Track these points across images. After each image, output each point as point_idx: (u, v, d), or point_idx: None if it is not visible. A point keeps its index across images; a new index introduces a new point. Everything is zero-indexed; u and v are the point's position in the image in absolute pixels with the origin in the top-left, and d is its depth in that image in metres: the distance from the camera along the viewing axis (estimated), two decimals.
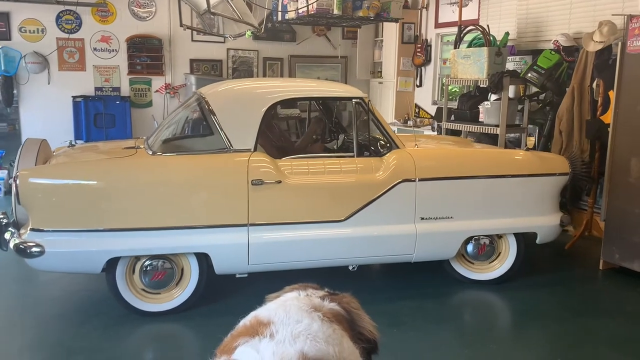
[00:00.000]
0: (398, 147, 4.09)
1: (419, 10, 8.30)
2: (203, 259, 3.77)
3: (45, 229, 3.48)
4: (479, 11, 7.15)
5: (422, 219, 4.06)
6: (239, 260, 3.75)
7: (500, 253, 4.44)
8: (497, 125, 5.72)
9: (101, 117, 7.77)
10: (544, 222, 4.37)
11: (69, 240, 3.51)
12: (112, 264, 3.62)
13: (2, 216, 3.78)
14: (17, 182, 3.44)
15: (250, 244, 3.73)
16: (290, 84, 4.93)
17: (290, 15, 6.65)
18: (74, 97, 7.71)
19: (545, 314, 3.98)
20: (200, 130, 4.45)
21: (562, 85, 5.73)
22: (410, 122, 8.14)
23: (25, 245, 3.46)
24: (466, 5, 7.13)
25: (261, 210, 3.74)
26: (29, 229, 3.51)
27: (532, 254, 5.25)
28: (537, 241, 4.43)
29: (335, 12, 6.16)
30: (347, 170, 3.94)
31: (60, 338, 3.51)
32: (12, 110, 7.58)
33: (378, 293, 4.24)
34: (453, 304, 4.23)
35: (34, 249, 3.44)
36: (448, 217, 4.12)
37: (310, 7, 6.15)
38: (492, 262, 4.44)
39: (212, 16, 6.12)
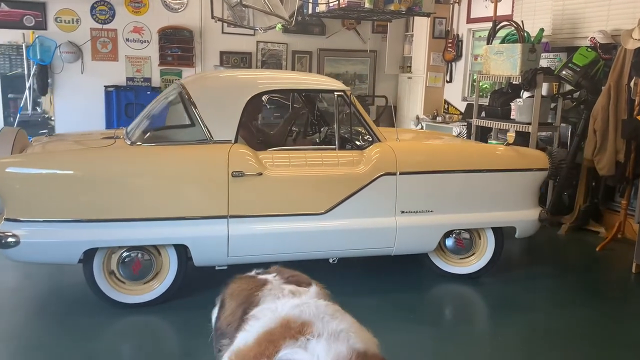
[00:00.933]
0: (380, 141, 4.06)
1: (451, 5, 8.19)
2: (182, 250, 3.73)
3: (21, 218, 3.43)
4: (512, 6, 7.02)
5: (403, 212, 4.03)
6: (218, 252, 3.70)
7: (478, 248, 4.41)
8: (529, 123, 5.62)
9: (132, 107, 7.87)
10: (523, 216, 4.35)
11: (45, 230, 3.46)
12: (89, 255, 3.57)
13: None
14: None
15: (230, 236, 3.68)
16: (273, 75, 4.90)
17: (321, 8, 6.63)
18: (106, 87, 7.83)
19: (573, 314, 3.91)
20: (180, 121, 4.38)
21: (598, 84, 5.59)
22: (439, 118, 8.06)
23: None
24: (500, 0, 7.00)
25: (241, 202, 3.69)
26: (3, 218, 3.46)
27: (561, 255, 5.17)
28: (516, 235, 4.41)
29: (367, 5, 6.12)
30: (328, 163, 3.90)
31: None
32: (46, 99, 7.74)
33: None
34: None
35: (9, 239, 3.40)
36: (428, 211, 4.09)
37: (341, 0, 6.12)
38: (469, 256, 4.41)
39: (243, 8, 6.13)
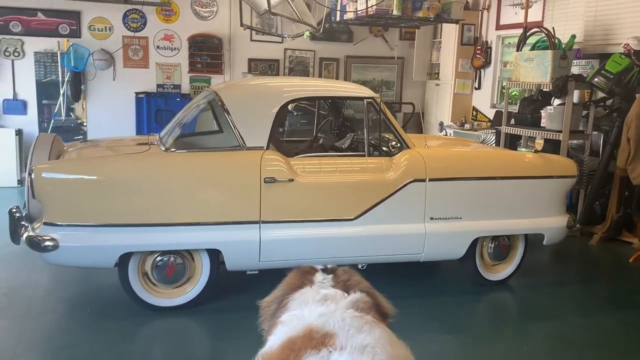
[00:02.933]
0: (408, 147, 4.08)
1: (480, 12, 8.13)
2: (215, 255, 3.78)
3: (59, 223, 3.49)
4: (543, 13, 6.93)
5: (432, 218, 4.04)
6: (250, 257, 3.75)
7: (510, 254, 4.45)
8: (560, 131, 5.54)
9: (162, 114, 8.00)
10: (552, 223, 4.36)
11: (83, 235, 3.52)
12: (124, 258, 3.64)
13: (15, 210, 3.79)
14: (32, 176, 3.46)
15: (262, 241, 3.73)
16: (304, 83, 4.92)
17: (349, 15, 6.65)
18: (136, 94, 7.98)
19: (599, 325, 3.83)
20: (213, 128, 4.46)
21: (632, 91, 5.47)
22: (467, 125, 7.99)
23: (38, 239, 3.47)
24: (530, 6, 6.92)
25: (273, 207, 3.73)
26: (42, 223, 3.52)
27: (592, 266, 5.06)
28: (545, 242, 4.40)
29: (395, 12, 6.10)
30: (358, 169, 3.94)
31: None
32: (78, 105, 7.92)
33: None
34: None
35: (47, 243, 3.45)
36: (457, 218, 4.10)
37: (369, 8, 6.12)
38: (499, 262, 4.43)
39: (272, 16, 6.19)
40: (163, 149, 3.88)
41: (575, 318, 3.98)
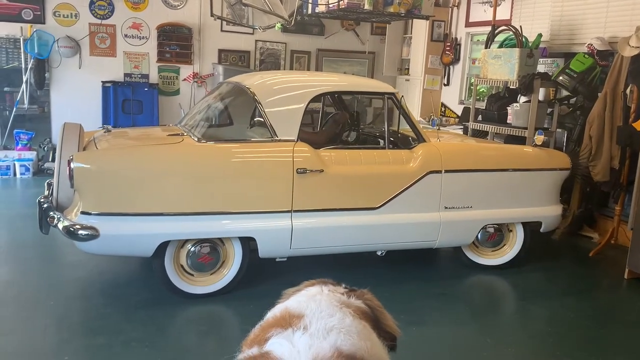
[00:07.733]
0: (425, 141, 4.31)
1: (450, 9, 8.22)
2: (246, 243, 3.89)
3: (98, 212, 3.51)
4: (511, 11, 7.05)
5: (446, 207, 4.31)
6: (282, 244, 3.91)
7: (509, 241, 4.78)
8: (525, 128, 5.65)
9: (129, 103, 7.86)
10: (549, 212, 4.75)
11: (124, 223, 3.55)
12: (160, 247, 3.69)
13: (43, 200, 3.82)
14: (72, 166, 3.45)
15: (294, 229, 3.87)
16: (329, 78, 4.98)
17: (321, 8, 6.63)
18: (103, 82, 7.80)
19: (567, 322, 3.93)
20: (244, 120, 4.58)
21: (595, 90, 5.62)
22: (436, 121, 8.07)
23: (76, 227, 3.48)
24: (499, 4, 7.03)
25: (304, 197, 3.89)
26: (79, 212, 3.52)
27: (554, 260, 5.19)
28: (542, 230, 4.77)
29: (366, 7, 6.12)
30: (381, 161, 4.13)
31: (83, 318, 3.58)
32: (42, 93, 7.71)
33: (396, 275, 4.25)
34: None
35: (87, 232, 3.47)
36: (468, 207, 4.39)
37: (341, 1, 6.12)
38: (498, 249, 4.77)
39: (243, 7, 6.13)
40: (195, 139, 3.92)
41: (536, 310, 4.07)
